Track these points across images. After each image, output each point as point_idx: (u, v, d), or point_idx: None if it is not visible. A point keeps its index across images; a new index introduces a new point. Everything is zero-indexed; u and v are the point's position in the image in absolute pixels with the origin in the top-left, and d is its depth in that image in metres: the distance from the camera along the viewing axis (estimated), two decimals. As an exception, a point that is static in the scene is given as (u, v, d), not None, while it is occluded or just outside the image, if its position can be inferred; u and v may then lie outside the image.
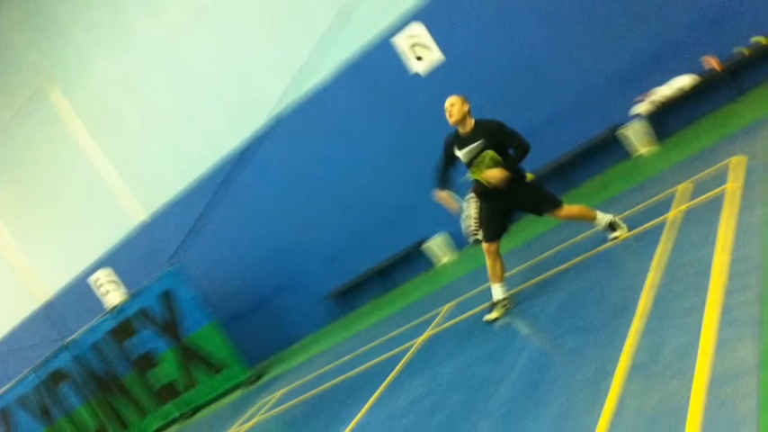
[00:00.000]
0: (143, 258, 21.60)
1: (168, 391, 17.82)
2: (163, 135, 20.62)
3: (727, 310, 5.17)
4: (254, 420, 12.03)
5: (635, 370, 5.28)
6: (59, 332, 23.88)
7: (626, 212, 10.01)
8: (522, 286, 9.61)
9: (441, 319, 10.89)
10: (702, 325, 5.18)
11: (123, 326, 17.84)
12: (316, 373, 12.95)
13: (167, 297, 17.11)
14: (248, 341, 19.48)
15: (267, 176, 18.90)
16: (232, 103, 19.20)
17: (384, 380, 9.39)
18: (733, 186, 8.16)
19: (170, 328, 17.30)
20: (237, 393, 16.61)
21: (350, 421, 8.60)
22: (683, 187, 9.55)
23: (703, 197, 8.46)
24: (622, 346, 5.75)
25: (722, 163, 9.55)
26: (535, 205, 9.20)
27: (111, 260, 22.37)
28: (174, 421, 17.93)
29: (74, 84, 21.69)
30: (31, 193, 24.40)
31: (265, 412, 12.11)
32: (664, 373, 4.97)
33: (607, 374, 5.45)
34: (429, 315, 11.77)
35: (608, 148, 15.30)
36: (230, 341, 17.23)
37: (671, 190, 9.82)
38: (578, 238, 10.39)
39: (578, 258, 9.32)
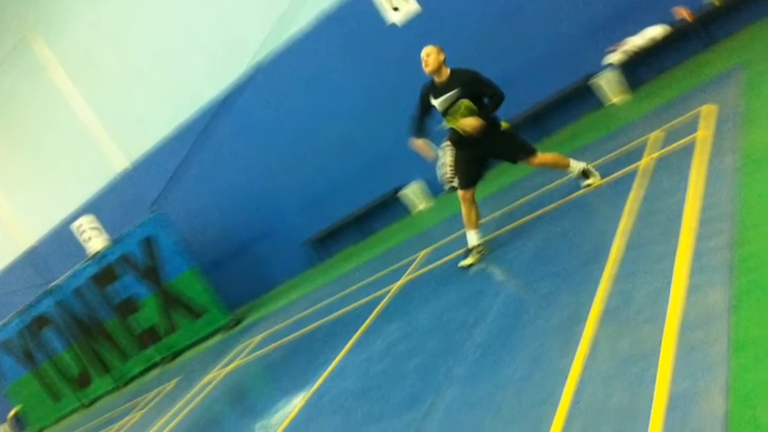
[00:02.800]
0: (125, 205, 21.47)
1: (149, 336, 17.81)
2: (145, 84, 20.41)
3: (698, 256, 5.15)
4: (233, 364, 12.03)
5: (608, 315, 5.26)
6: (43, 278, 23.79)
7: (599, 160, 9.98)
8: (497, 233, 9.58)
9: (417, 265, 10.87)
10: (674, 271, 5.15)
11: (105, 271, 17.78)
12: (294, 318, 12.94)
13: (149, 243, 17.03)
14: (228, 286, 19.47)
15: (247, 125, 18.77)
16: (212, 51, 18.99)
17: (361, 324, 9.37)
18: (704, 134, 8.12)
19: (151, 273, 17.25)
20: (217, 338, 16.61)
21: (328, 365, 8.59)
22: (655, 136, 9.51)
23: (675, 145, 8.43)
24: (595, 291, 5.73)
25: (693, 111, 9.51)
26: (510, 153, 9.15)
27: (93, 207, 22.22)
28: (155, 365, 17.94)
29: (57, 33, 21.44)
30: (15, 142, 24.17)
31: (245, 356, 12.10)
32: (636, 318, 4.95)
33: (580, 319, 5.43)
34: (405, 261, 11.74)
35: (581, 98, 15.25)
36: (210, 286, 17.20)
37: (643, 138, 9.78)
38: (552, 185, 10.35)
39: (552, 205, 9.29)
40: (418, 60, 8.81)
